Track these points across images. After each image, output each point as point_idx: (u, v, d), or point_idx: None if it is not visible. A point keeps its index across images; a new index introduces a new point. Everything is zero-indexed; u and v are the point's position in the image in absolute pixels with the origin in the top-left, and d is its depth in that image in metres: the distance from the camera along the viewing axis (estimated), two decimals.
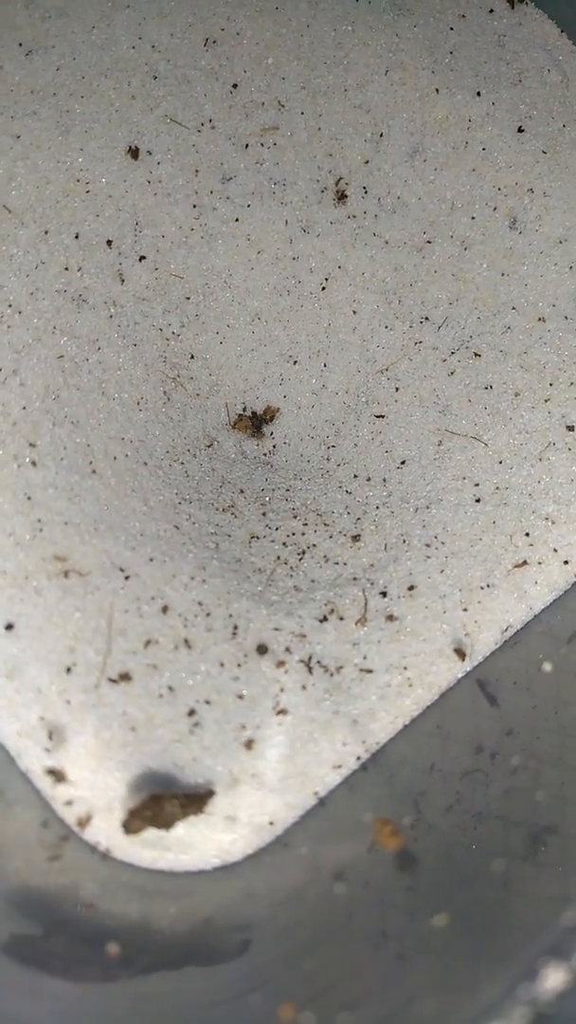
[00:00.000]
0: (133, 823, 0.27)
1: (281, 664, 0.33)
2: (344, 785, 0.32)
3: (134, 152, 0.39)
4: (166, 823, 0.28)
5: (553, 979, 0.22)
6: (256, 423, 0.43)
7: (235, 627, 0.34)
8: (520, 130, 0.41)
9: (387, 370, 0.42)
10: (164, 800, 0.28)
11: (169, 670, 0.32)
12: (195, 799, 0.29)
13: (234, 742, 0.31)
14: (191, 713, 0.32)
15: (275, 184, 0.41)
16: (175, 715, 0.32)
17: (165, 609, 0.34)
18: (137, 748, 0.31)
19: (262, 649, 0.34)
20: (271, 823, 0.31)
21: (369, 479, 0.40)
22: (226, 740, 0.31)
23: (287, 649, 0.34)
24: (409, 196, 0.41)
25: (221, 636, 0.34)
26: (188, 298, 0.41)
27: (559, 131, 0.41)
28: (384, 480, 0.40)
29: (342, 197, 0.41)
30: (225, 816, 0.30)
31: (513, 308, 0.40)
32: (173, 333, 0.41)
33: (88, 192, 0.39)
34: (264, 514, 0.40)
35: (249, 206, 0.41)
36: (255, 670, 0.33)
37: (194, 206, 0.40)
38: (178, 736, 0.31)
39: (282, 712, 0.32)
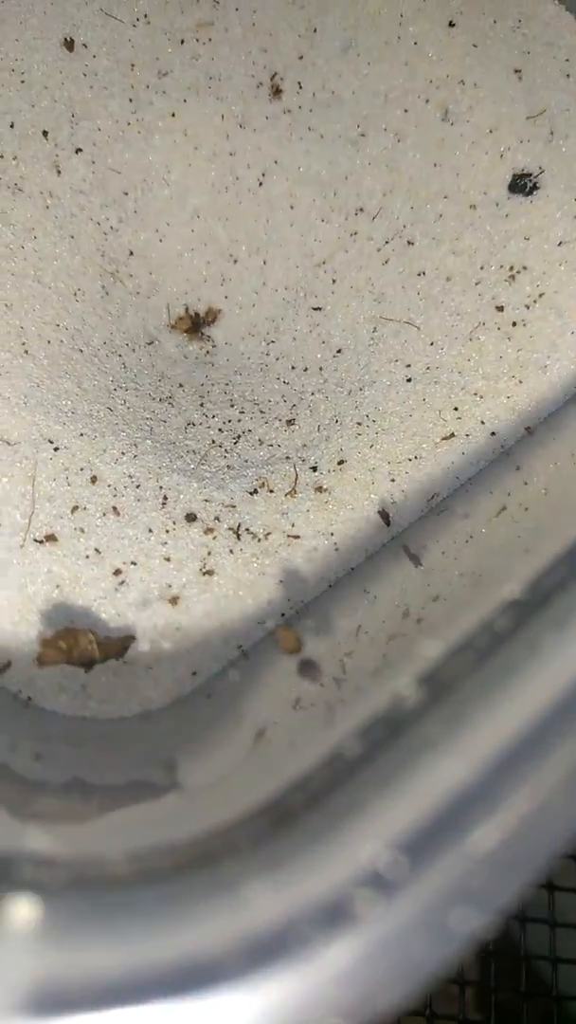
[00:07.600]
0: (47, 653, 0.27)
1: (210, 531, 0.34)
2: (269, 639, 0.32)
3: (69, 44, 0.39)
4: (83, 660, 0.28)
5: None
6: (197, 324, 0.43)
7: (165, 498, 0.34)
8: (451, 24, 0.42)
9: (324, 263, 0.42)
10: (79, 633, 0.28)
11: (96, 534, 0.33)
12: (114, 642, 0.29)
13: (159, 599, 0.32)
14: (117, 572, 0.32)
15: (211, 79, 0.41)
16: (101, 575, 0.32)
17: (94, 479, 0.34)
18: (62, 603, 0.31)
19: (191, 517, 0.34)
20: (194, 673, 0.31)
21: (306, 369, 0.41)
22: (151, 597, 0.32)
23: (216, 518, 0.34)
24: (343, 90, 0.42)
25: (151, 506, 0.34)
26: (126, 193, 0.41)
27: (490, 26, 0.42)
28: (320, 369, 0.41)
29: (277, 92, 0.42)
30: (146, 666, 0.31)
31: (445, 196, 0.41)
32: (111, 228, 0.41)
33: (23, 82, 0.39)
34: (202, 405, 0.40)
35: (185, 101, 0.41)
36: (183, 536, 0.34)
37: (130, 100, 0.41)
38: (103, 593, 0.32)
39: (208, 573, 0.33)
